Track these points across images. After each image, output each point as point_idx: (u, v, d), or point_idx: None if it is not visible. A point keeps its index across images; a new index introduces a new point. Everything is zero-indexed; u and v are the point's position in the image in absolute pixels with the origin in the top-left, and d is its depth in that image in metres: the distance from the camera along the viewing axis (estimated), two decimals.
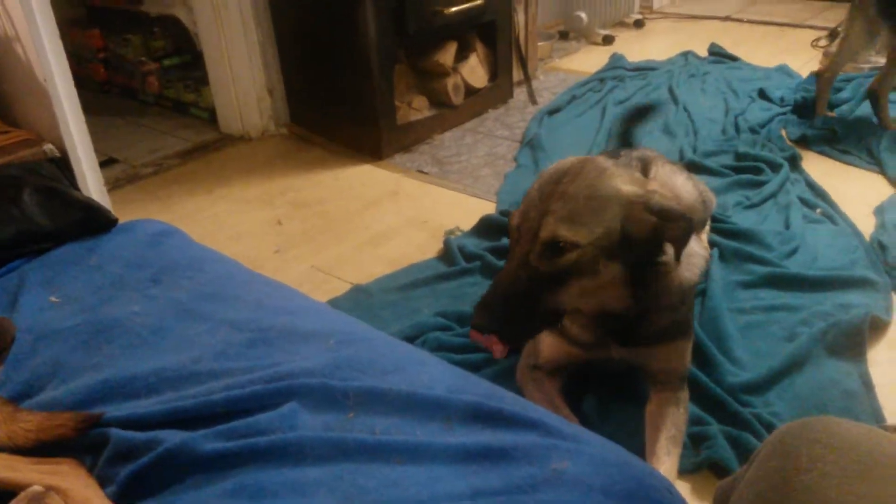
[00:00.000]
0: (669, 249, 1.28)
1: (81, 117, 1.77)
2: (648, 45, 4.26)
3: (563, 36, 4.43)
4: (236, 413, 1.01)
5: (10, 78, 1.83)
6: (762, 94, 3.22)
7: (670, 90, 3.37)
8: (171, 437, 0.96)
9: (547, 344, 1.48)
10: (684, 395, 1.46)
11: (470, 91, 3.33)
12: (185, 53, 3.70)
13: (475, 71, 3.36)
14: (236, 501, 0.87)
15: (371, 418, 0.98)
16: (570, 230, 1.17)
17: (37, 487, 0.90)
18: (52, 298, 1.33)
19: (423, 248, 2.34)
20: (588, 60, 4.05)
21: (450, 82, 3.22)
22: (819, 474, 0.62)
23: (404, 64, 3.19)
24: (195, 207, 2.74)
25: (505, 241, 2.24)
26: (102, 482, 0.95)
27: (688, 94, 3.31)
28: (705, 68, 3.62)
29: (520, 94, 3.61)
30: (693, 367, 1.56)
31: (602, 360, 1.47)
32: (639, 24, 4.64)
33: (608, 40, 4.32)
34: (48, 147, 1.70)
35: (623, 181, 1.23)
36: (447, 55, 3.20)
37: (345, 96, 3.00)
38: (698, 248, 1.43)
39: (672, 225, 1.21)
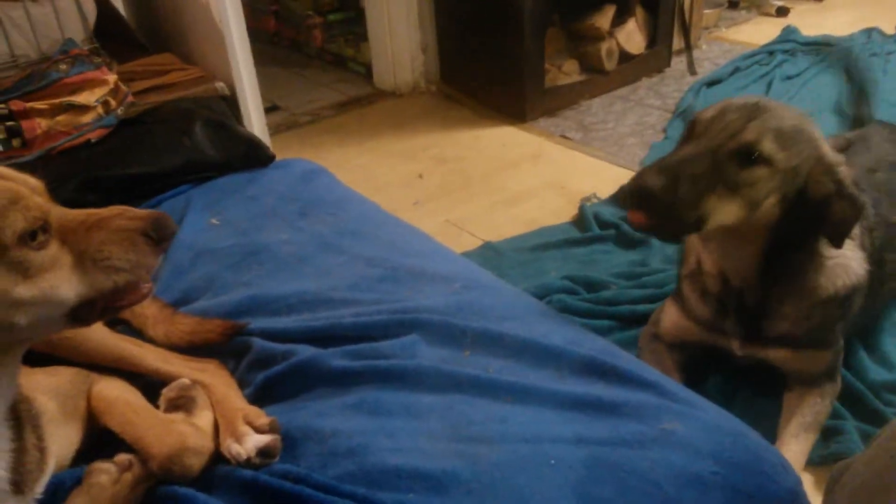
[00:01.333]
0: (825, 247, 1.21)
1: (251, 60, 1.92)
2: (828, 19, 3.90)
3: (733, 5, 4.16)
4: (362, 337, 1.08)
5: (189, 19, 2.01)
6: None
7: (846, 69, 3.08)
8: (304, 351, 1.05)
9: (668, 314, 1.44)
10: (831, 387, 1.37)
11: (625, 57, 3.23)
12: (349, 9, 3.85)
13: (632, 36, 3.25)
14: (355, 414, 0.93)
15: (486, 358, 1.01)
16: (774, 146, 1.11)
17: (185, 380, 1.01)
18: (213, 221, 1.47)
19: (557, 212, 2.33)
20: (757, 32, 3.78)
21: (604, 47, 3.13)
22: None
23: (558, 26, 3.14)
24: (344, 156, 2.88)
25: None
26: (241, 384, 1.05)
27: (866, 74, 3.01)
28: (890, 47, 3.27)
29: (678, 63, 3.45)
30: None
31: (724, 351, 1.41)
32: None
33: (782, 12, 4.00)
34: (220, 85, 1.86)
35: (823, 139, 1.18)
36: (604, 19, 3.12)
37: (494, 57, 3.01)
38: (857, 263, 1.30)
39: (843, 203, 1.14)
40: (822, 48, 3.36)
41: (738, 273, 1.26)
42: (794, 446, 1.26)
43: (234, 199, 1.54)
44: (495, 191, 2.52)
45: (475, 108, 3.16)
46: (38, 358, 0.97)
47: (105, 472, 0.86)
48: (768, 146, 1.11)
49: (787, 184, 1.14)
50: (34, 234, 0.71)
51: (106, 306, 0.80)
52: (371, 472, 0.83)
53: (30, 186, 0.76)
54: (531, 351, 1.01)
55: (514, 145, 2.83)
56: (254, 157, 1.63)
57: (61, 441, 0.90)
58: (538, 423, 0.89)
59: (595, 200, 2.36)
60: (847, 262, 1.27)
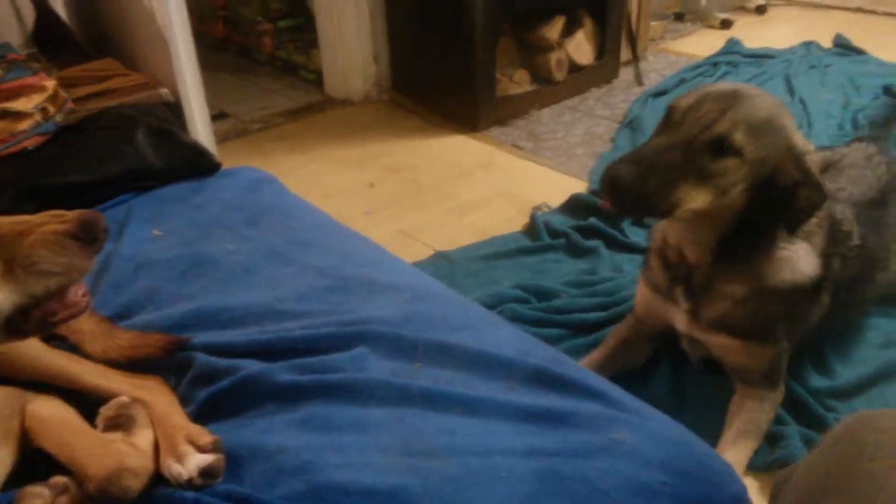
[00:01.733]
0: (782, 238, 1.25)
1: (196, 66, 1.88)
2: (769, 33, 4.04)
3: (679, 17, 4.27)
4: (311, 350, 1.05)
5: (132, 23, 1.96)
6: (888, 91, 2.99)
7: (787, 80, 3.19)
8: (250, 366, 1.02)
9: (638, 288, 1.52)
10: (773, 394, 1.40)
11: (574, 67, 3.28)
12: (299, 16, 3.82)
13: (581, 47, 3.30)
14: (304, 430, 0.91)
15: (436, 369, 1.00)
16: (745, 138, 1.14)
17: (124, 398, 0.97)
18: (155, 232, 1.42)
19: (509, 221, 2.34)
20: (702, 44, 3.89)
21: (553, 57, 3.17)
22: (884, 464, 0.60)
23: (508, 37, 3.17)
24: (294, 164, 2.84)
25: (592, 220, 2.21)
26: (183, 401, 1.01)
27: (805, 85, 3.13)
28: (827, 60, 3.40)
29: (626, 73, 3.52)
30: None
31: (675, 334, 1.46)
32: (761, 10, 4.41)
33: (726, 24, 4.13)
34: (164, 91, 1.82)
35: (794, 128, 1.22)
36: (553, 30, 3.16)
37: (446, 67, 3.02)
38: (806, 264, 1.34)
39: (807, 192, 1.18)
40: (763, 60, 3.47)
41: (695, 250, 1.31)
42: (730, 455, 1.29)
43: (177, 208, 1.50)
44: (447, 199, 2.52)
45: (427, 117, 3.16)
46: None
47: (38, 497, 0.82)
48: (739, 138, 1.15)
49: (755, 172, 1.18)
50: None
51: (44, 318, 0.78)
52: (319, 490, 0.81)
53: None
54: (482, 362, 1.00)
55: (466, 154, 2.84)
56: (199, 165, 1.59)
57: None
58: (489, 435, 0.88)
59: (546, 209, 2.38)
60: (797, 259, 1.31)
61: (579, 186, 2.52)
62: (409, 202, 2.52)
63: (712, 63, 3.47)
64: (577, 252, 2.12)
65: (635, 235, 2.14)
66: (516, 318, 1.76)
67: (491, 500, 0.79)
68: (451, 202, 2.50)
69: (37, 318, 0.78)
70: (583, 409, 0.92)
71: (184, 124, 1.85)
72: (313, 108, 3.36)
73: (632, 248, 2.09)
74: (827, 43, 3.66)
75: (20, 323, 0.76)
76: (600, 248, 2.11)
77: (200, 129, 1.91)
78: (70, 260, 0.76)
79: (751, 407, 1.37)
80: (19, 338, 0.79)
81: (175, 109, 1.81)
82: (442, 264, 2.10)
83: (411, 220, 2.40)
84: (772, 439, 1.38)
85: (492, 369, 0.99)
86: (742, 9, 4.42)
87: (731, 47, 3.67)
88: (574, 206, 2.34)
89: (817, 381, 1.52)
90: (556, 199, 2.41)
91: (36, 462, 0.90)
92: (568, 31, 3.24)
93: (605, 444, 0.86)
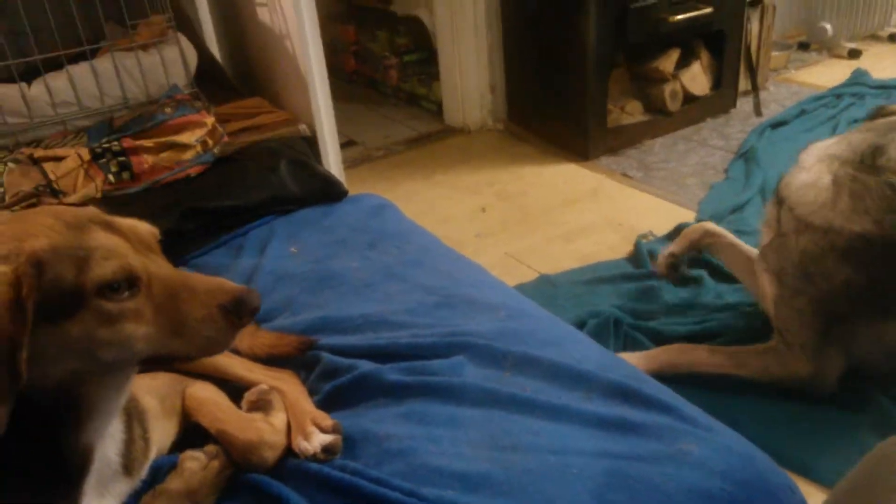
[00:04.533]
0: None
1: (331, 105, 2.12)
2: None
3: (804, 47, 4.17)
4: (416, 356, 1.22)
5: (279, 67, 2.24)
6: None
7: None
8: (365, 366, 1.20)
9: None
10: (792, 356, 1.55)
11: (689, 98, 3.31)
12: (423, 51, 4.08)
13: (696, 79, 3.33)
14: (406, 422, 1.07)
15: (523, 378, 1.13)
16: None
17: (264, 386, 1.17)
18: (292, 249, 1.65)
19: (614, 248, 2.42)
20: (827, 74, 3.79)
21: (667, 89, 3.22)
22: None
23: (623, 68, 3.25)
24: (414, 189, 3.06)
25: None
26: (311, 392, 1.20)
27: None
28: None
29: (744, 104, 3.50)
30: None
31: None
32: (894, 39, 4.21)
33: (854, 54, 3.99)
34: (302, 127, 2.07)
35: None
36: (668, 62, 3.21)
37: (559, 98, 3.15)
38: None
39: None
40: (892, 91, 3.34)
41: None
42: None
43: (311, 230, 1.72)
44: (554, 225, 2.64)
45: (539, 146, 3.29)
46: None
47: (196, 460, 1.02)
48: None
49: None
50: (117, 287, 0.75)
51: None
52: (417, 471, 0.96)
53: (137, 236, 0.82)
54: (564, 374, 1.12)
55: (576, 182, 2.94)
56: (329, 192, 1.81)
57: (161, 433, 1.07)
58: (566, 437, 1.00)
59: (651, 238, 2.44)
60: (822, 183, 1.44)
61: (688, 216, 2.56)
62: (518, 227, 2.66)
63: (836, 94, 3.38)
64: (680, 280, 2.17)
65: None
66: (608, 326, 1.86)
67: (562, 491, 0.91)
68: (558, 228, 2.61)
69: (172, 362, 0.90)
70: (654, 420, 1.02)
71: (318, 155, 2.09)
72: (433, 137, 3.58)
73: (736, 279, 2.12)
74: None
75: (157, 362, 0.83)
76: (704, 278, 2.15)
77: (332, 159, 2.15)
78: (216, 335, 0.79)
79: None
80: (155, 370, 0.91)
81: (311, 142, 2.06)
82: (545, 287, 2.21)
83: (519, 244, 2.54)
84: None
85: (573, 381, 1.11)
86: (873, 37, 4.25)
87: (857, 78, 3.55)
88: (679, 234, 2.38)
89: None
90: (664, 228, 2.46)
91: (193, 434, 1.11)
92: (683, 62, 3.28)
93: (671, 454, 0.96)
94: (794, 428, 1.55)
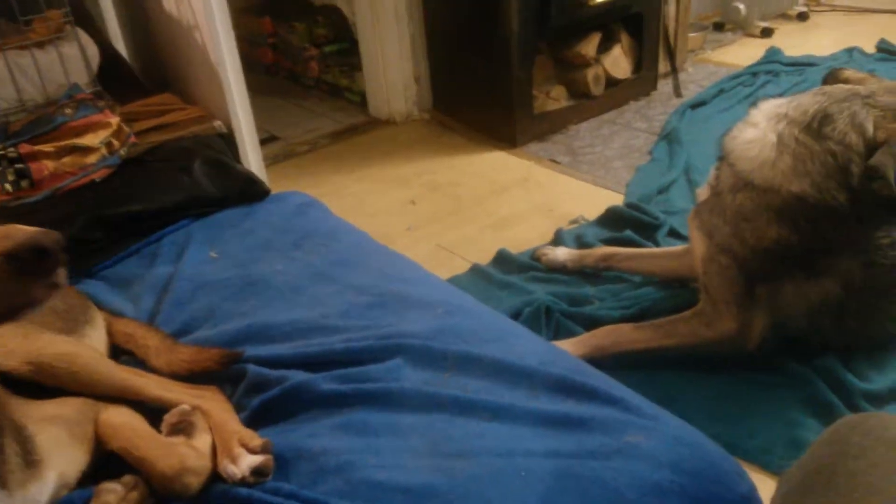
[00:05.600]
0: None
1: (247, 99, 2.01)
2: (811, 40, 4.01)
3: (718, 27, 4.28)
4: (351, 362, 1.15)
5: (189, 61, 2.11)
6: None
7: None
8: (297, 376, 1.12)
9: None
10: (715, 313, 1.61)
11: (611, 82, 3.33)
12: (343, 41, 3.97)
13: (618, 62, 3.35)
14: (344, 434, 1.00)
15: (464, 379, 1.08)
16: None
17: (185, 406, 1.08)
18: (212, 254, 1.55)
19: (546, 234, 2.41)
20: (743, 53, 3.89)
21: (590, 73, 3.23)
22: (866, 463, 0.65)
23: (545, 54, 3.24)
24: (341, 184, 2.97)
25: (627, 233, 2.26)
26: (238, 409, 1.12)
27: None
28: (870, 66, 3.37)
29: (664, 86, 3.55)
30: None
31: None
32: (803, 17, 4.37)
33: (767, 33, 4.11)
34: (217, 123, 1.95)
35: None
36: (589, 46, 3.22)
37: (485, 86, 3.11)
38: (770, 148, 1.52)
39: None
40: (804, 68, 3.46)
41: None
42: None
43: (231, 232, 1.62)
44: (486, 215, 2.60)
45: (467, 135, 3.25)
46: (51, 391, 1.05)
47: (113, 492, 0.93)
48: None
49: None
50: None
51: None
52: (358, 487, 0.90)
53: None
54: (507, 371, 1.08)
55: (505, 170, 2.92)
56: (250, 192, 1.72)
57: (67, 461, 0.97)
58: (512, 438, 0.96)
59: (583, 222, 2.44)
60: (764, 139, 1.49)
61: (616, 199, 2.57)
62: (449, 218, 2.61)
63: (752, 73, 3.48)
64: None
65: (668, 244, 2.18)
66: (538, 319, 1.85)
67: (510, 497, 0.87)
68: (489, 217, 2.58)
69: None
70: (600, 414, 0.99)
71: (236, 153, 1.98)
72: (358, 129, 3.48)
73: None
74: (870, 48, 3.62)
75: None
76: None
77: (251, 157, 2.04)
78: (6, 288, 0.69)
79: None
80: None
81: (228, 139, 1.95)
82: (479, 277, 2.18)
83: (451, 235, 2.49)
84: (797, 442, 1.42)
85: (516, 378, 1.07)
86: (783, 16, 4.40)
87: (772, 56, 3.66)
88: (610, 218, 2.39)
89: (851, 384, 1.55)
90: (594, 212, 2.47)
91: (107, 464, 1.02)
92: (604, 46, 3.30)
93: (619, 447, 0.93)
94: (722, 406, 1.57)
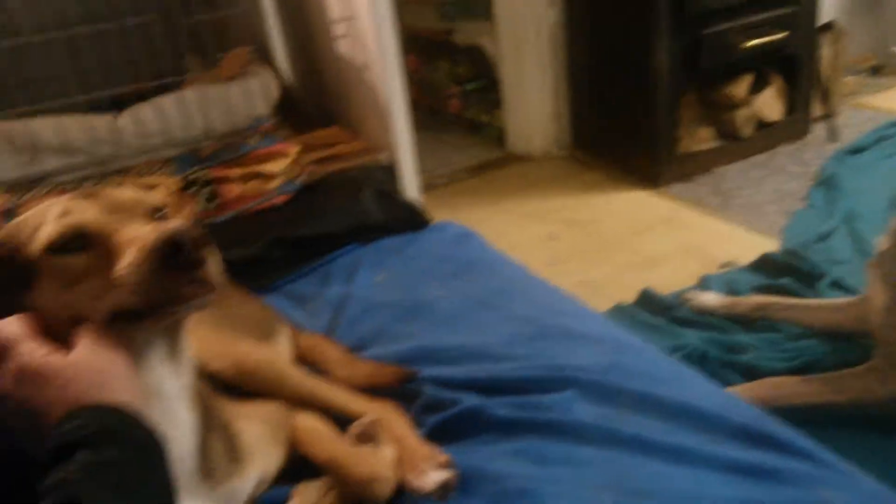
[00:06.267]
0: None
1: (410, 134, 2.12)
2: None
3: (875, 71, 4.05)
4: (521, 390, 1.17)
5: (357, 97, 2.26)
6: None
7: None
8: (470, 399, 1.16)
9: None
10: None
11: (762, 124, 3.23)
12: (484, 78, 4.08)
13: (769, 104, 3.24)
14: (520, 460, 1.02)
15: (641, 418, 1.07)
16: None
17: (369, 418, 1.14)
18: (378, 278, 1.63)
19: (692, 277, 2.34)
20: None
21: (740, 115, 3.15)
22: None
23: (693, 94, 3.19)
24: (479, 217, 3.02)
25: (784, 281, 2.17)
26: (413, 425, 1.17)
27: None
28: None
29: (817, 130, 3.40)
30: None
31: None
32: None
33: None
34: (383, 156, 2.07)
35: None
36: (740, 87, 3.14)
37: (628, 125, 3.10)
38: None
39: None
40: None
41: None
42: None
43: (395, 258, 1.70)
44: (628, 254, 2.57)
45: (607, 173, 3.24)
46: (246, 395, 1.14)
47: (311, 493, 0.99)
48: None
49: None
50: (70, 247, 0.73)
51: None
52: None
53: (113, 201, 0.77)
54: (686, 414, 1.06)
55: (648, 210, 2.88)
56: (412, 221, 1.80)
57: (265, 458, 1.03)
58: (698, 482, 0.94)
59: (733, 267, 2.36)
60: None
61: (769, 245, 2.47)
62: (590, 255, 2.60)
63: None
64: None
65: (831, 296, 2.07)
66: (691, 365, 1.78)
67: None
68: (632, 256, 2.55)
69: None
70: (791, 466, 0.95)
71: (396, 184, 2.09)
72: (495, 164, 3.55)
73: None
74: None
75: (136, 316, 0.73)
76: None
77: (410, 188, 2.14)
78: (151, 282, 0.69)
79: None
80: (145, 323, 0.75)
81: (389, 171, 2.06)
82: (623, 317, 2.15)
83: (592, 273, 2.48)
84: None
85: (696, 422, 1.05)
86: None
87: None
88: (765, 265, 2.30)
89: None
90: (745, 257, 2.38)
91: (296, 467, 1.09)
92: (755, 87, 3.21)
93: (813, 501, 0.89)
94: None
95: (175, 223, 0.71)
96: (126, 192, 0.80)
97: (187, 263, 0.70)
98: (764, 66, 3.22)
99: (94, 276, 0.73)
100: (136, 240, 0.71)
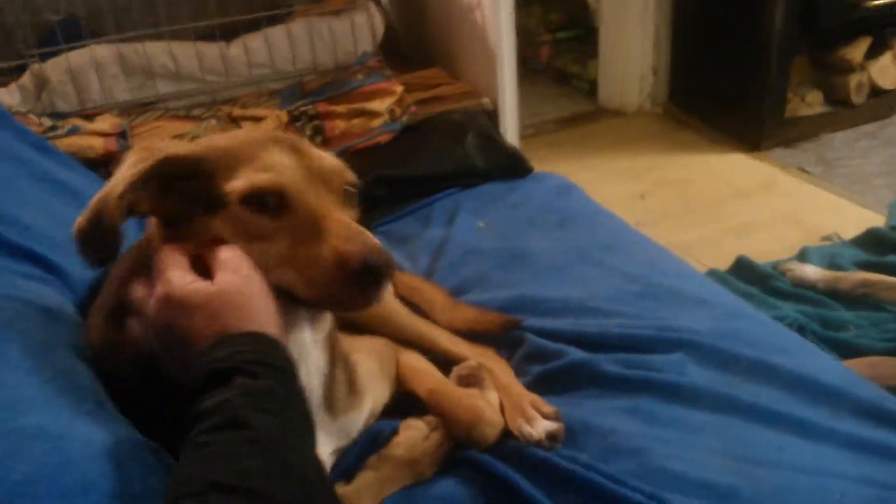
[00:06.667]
0: None
1: (515, 79, 2.08)
2: None
3: None
4: (630, 348, 1.15)
5: (463, 39, 2.21)
6: None
7: None
8: (575, 353, 1.15)
9: None
10: None
11: (876, 91, 3.04)
12: (578, 27, 3.95)
13: (886, 71, 3.04)
14: (630, 418, 1.01)
15: (757, 387, 1.05)
16: None
17: (473, 362, 1.15)
18: (479, 224, 1.62)
19: (791, 247, 2.25)
20: None
21: (853, 80, 2.97)
22: None
23: (804, 55, 3.02)
24: (565, 172, 2.87)
25: (891, 258, 2.07)
26: (516, 374, 1.17)
27: None
28: None
29: None
30: None
31: None
32: None
33: None
34: (485, 100, 2.04)
35: None
36: (857, 51, 2.95)
37: (733, 83, 2.96)
38: None
39: None
40: None
41: None
42: None
43: (496, 205, 1.69)
44: (723, 218, 2.49)
45: (704, 133, 3.12)
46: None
47: (417, 429, 1.01)
48: None
49: None
50: (264, 201, 0.73)
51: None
52: (654, 473, 0.91)
53: (318, 168, 0.77)
54: (805, 386, 1.03)
55: (746, 174, 2.77)
56: (515, 168, 1.78)
57: (376, 392, 1.05)
58: (818, 457, 0.92)
59: (836, 240, 2.26)
60: None
61: (876, 220, 2.35)
62: (683, 218, 2.53)
63: None
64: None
65: None
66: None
67: None
68: (727, 221, 2.47)
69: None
70: None
71: (497, 130, 2.06)
72: (585, 118, 3.46)
73: None
74: None
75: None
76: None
77: (511, 135, 2.11)
78: (338, 293, 0.72)
79: None
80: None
81: (492, 116, 2.03)
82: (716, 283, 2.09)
83: (684, 236, 2.41)
84: None
85: (816, 395, 1.02)
86: None
87: None
88: (870, 240, 2.19)
89: None
90: (849, 231, 2.27)
91: (400, 404, 1.11)
92: (873, 52, 3.01)
93: None
94: None
95: (372, 242, 0.72)
96: (330, 161, 0.81)
97: (370, 283, 0.72)
98: (884, 28, 3.01)
99: (276, 241, 0.73)
100: (336, 239, 0.72)
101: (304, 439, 0.65)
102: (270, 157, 0.75)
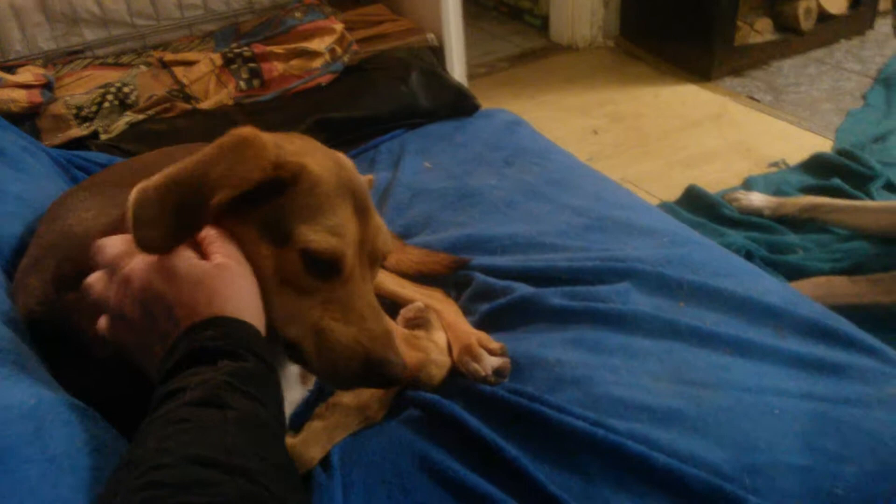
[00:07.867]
0: None
1: (460, 13, 2.01)
2: None
3: None
4: (576, 280, 1.15)
5: None
6: None
7: None
8: (523, 289, 1.14)
9: None
10: None
11: (823, 17, 3.03)
12: None
13: None
14: (576, 349, 1.02)
15: (701, 311, 1.05)
16: None
17: (420, 303, 1.13)
18: (426, 164, 1.59)
19: (741, 176, 2.28)
20: None
21: (801, 5, 2.96)
22: None
23: None
24: (518, 110, 2.85)
25: (835, 181, 2.10)
26: (463, 313, 1.16)
27: None
28: None
29: (883, 25, 3.19)
30: None
31: None
32: None
33: None
34: (430, 36, 1.97)
35: None
36: None
37: (681, 12, 2.93)
38: None
39: None
40: None
41: None
42: None
43: (443, 145, 1.65)
44: (674, 150, 2.50)
45: (655, 65, 3.10)
46: None
47: None
48: None
49: None
50: (319, 262, 0.73)
51: None
52: (598, 401, 0.92)
53: (372, 240, 0.78)
54: (748, 308, 1.04)
55: (696, 104, 2.77)
56: (461, 106, 1.73)
57: None
58: (760, 375, 0.93)
59: (784, 167, 2.29)
60: None
61: (822, 145, 2.38)
62: (634, 151, 2.53)
63: None
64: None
65: (883, 198, 2.01)
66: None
67: (762, 433, 0.85)
68: (678, 153, 2.47)
69: None
70: (857, 362, 0.94)
71: (443, 67, 2.00)
72: (537, 54, 3.41)
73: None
74: None
75: None
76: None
77: (457, 71, 2.06)
78: (346, 376, 0.74)
79: None
80: None
81: (437, 53, 1.96)
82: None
83: (636, 169, 2.42)
84: None
85: (759, 316, 1.03)
86: None
87: None
88: (816, 165, 2.23)
89: None
90: (796, 156, 2.30)
91: None
92: None
93: (881, 398, 0.88)
94: None
95: (395, 351, 0.75)
96: (384, 236, 0.80)
97: (376, 385, 0.77)
98: None
99: (310, 299, 0.74)
100: (363, 332, 0.73)
101: (280, 430, 0.65)
102: (343, 214, 0.75)
